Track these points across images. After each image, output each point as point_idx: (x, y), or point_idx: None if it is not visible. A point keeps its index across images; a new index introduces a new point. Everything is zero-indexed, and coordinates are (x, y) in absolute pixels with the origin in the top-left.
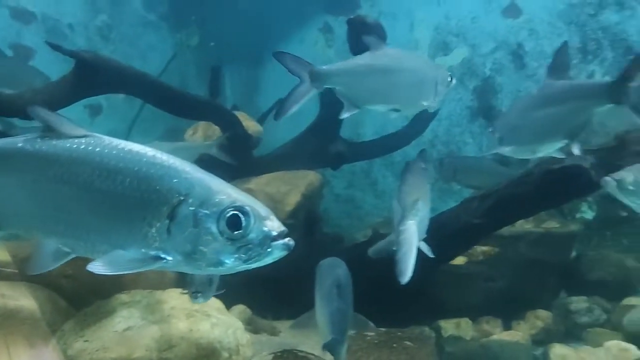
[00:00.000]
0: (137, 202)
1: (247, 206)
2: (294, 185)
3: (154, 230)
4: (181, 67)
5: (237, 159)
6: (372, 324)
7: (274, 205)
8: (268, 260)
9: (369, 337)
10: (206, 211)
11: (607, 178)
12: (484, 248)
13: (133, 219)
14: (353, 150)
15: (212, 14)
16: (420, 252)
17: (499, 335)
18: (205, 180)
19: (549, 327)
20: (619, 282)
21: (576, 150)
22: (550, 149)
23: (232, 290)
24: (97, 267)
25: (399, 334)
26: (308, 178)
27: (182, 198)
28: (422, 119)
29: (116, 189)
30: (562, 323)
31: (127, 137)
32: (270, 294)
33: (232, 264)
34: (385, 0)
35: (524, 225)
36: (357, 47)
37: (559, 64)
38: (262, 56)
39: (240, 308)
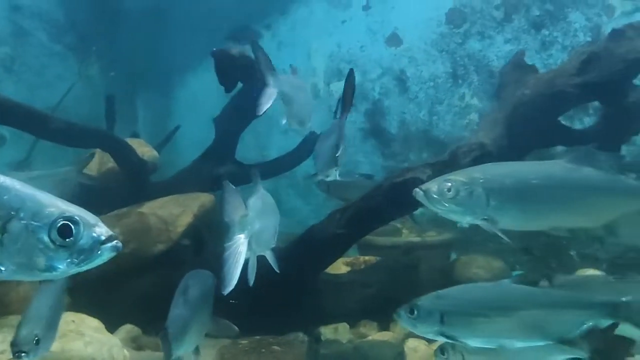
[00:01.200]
0: None
1: (76, 216)
2: (186, 207)
3: None
4: (90, 96)
5: (133, 185)
6: (235, 328)
7: (166, 227)
8: (99, 261)
9: (240, 345)
10: (37, 223)
11: (416, 189)
12: (366, 257)
13: None
14: (244, 172)
15: (121, 44)
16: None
17: (374, 336)
18: (36, 195)
19: None
20: (487, 281)
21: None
22: None
23: (122, 309)
24: None
25: (271, 340)
26: (200, 199)
27: (13, 213)
28: (310, 141)
29: None
30: None
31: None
32: (159, 312)
33: (65, 268)
34: (284, 31)
35: (408, 236)
36: (224, 78)
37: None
38: (173, 84)
39: (127, 327)
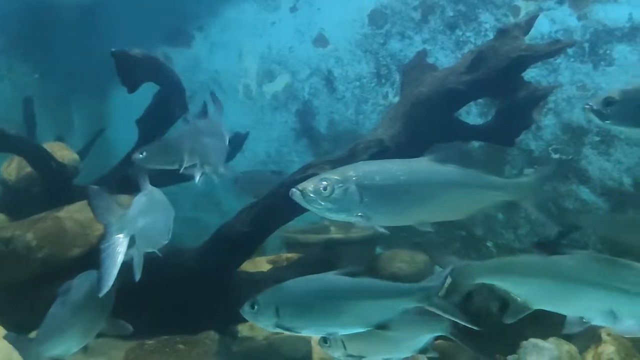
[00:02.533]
0: None
1: None
2: None
3: None
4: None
5: (52, 190)
6: (129, 328)
7: (84, 231)
8: None
9: (146, 345)
10: None
11: (293, 189)
12: (289, 255)
13: None
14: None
15: (53, 45)
16: (211, 262)
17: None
18: None
19: None
20: (409, 275)
21: None
22: None
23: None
24: None
25: (178, 339)
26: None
27: None
28: (234, 142)
29: None
30: None
31: None
32: None
33: None
34: (216, 32)
35: (334, 234)
36: (126, 79)
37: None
38: (109, 88)
39: None
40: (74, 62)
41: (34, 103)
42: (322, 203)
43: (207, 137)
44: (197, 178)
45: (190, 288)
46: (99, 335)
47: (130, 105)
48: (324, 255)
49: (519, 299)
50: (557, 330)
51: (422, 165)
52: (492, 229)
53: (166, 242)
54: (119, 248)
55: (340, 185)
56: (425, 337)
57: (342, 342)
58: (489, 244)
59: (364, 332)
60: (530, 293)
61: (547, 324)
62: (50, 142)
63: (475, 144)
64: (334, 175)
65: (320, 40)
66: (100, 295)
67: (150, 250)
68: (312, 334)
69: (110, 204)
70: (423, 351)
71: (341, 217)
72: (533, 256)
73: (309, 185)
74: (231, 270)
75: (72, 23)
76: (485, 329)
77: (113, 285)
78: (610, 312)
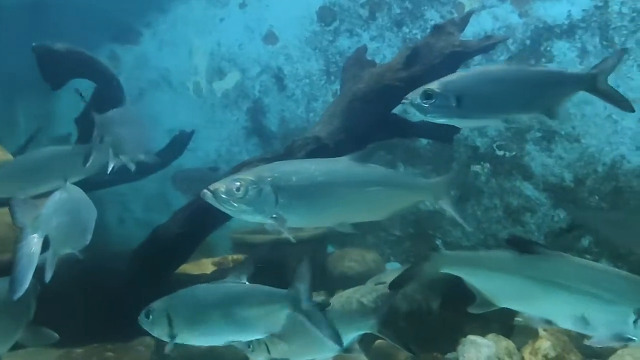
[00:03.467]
0: None
1: None
2: None
3: None
4: None
5: None
6: (54, 335)
7: (15, 234)
8: None
9: (74, 354)
10: None
11: (205, 190)
12: (235, 256)
13: None
14: (111, 175)
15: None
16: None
17: None
18: None
19: None
20: (360, 273)
21: None
22: None
23: None
24: None
25: (108, 347)
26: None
27: None
28: (179, 141)
29: None
30: None
31: None
32: None
33: None
34: (166, 29)
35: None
36: (48, 74)
37: None
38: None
39: None
40: (18, 62)
41: None
42: (235, 204)
43: (120, 126)
44: (110, 168)
45: (123, 293)
46: (22, 346)
47: (77, 104)
48: (271, 256)
49: (485, 294)
50: (496, 327)
51: (341, 166)
52: (440, 227)
53: (86, 242)
54: (33, 248)
55: (255, 186)
56: (350, 336)
57: (266, 345)
58: (438, 241)
59: (288, 333)
60: (499, 290)
61: (487, 320)
62: None
63: (423, 141)
64: (248, 176)
65: (270, 37)
66: (15, 298)
67: (69, 251)
68: (203, 343)
69: (28, 206)
70: (348, 350)
71: (256, 218)
72: (506, 252)
73: (221, 186)
74: (167, 273)
75: (16, 22)
76: (426, 327)
77: (33, 290)
78: (582, 318)
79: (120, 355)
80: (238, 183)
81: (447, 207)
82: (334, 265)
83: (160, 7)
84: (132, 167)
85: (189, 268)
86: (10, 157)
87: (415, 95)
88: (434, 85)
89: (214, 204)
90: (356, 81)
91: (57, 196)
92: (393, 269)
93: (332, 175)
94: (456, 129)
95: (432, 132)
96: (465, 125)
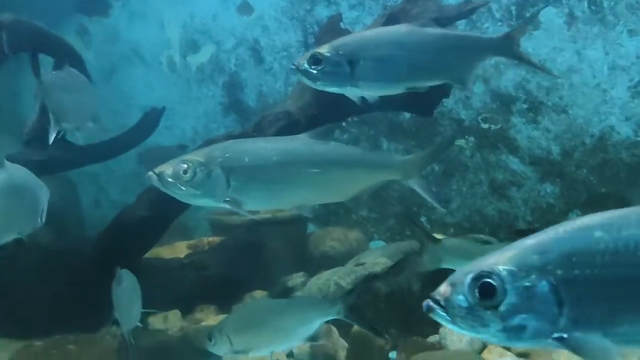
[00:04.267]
0: None
1: None
2: None
3: None
4: None
5: None
6: None
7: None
8: None
9: (33, 347)
10: None
11: (150, 172)
12: (210, 239)
13: None
14: (77, 155)
15: None
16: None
17: (209, 321)
18: None
19: None
20: (342, 253)
21: None
22: None
23: None
24: None
25: (70, 338)
26: None
27: None
28: (151, 118)
29: None
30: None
31: None
32: None
33: None
34: (135, 1)
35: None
36: None
37: None
38: (22, 62)
39: None
40: None
41: None
42: (183, 188)
43: (62, 92)
44: (51, 138)
45: (88, 279)
46: None
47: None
48: (248, 237)
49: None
50: None
51: (298, 144)
52: (425, 204)
53: (36, 226)
54: None
55: (203, 167)
56: (316, 323)
57: (228, 337)
58: (423, 219)
59: (250, 323)
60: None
61: None
62: None
63: (406, 115)
64: (196, 157)
65: (245, 8)
66: None
67: (15, 236)
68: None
69: None
70: (313, 338)
71: (206, 202)
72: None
73: (167, 168)
74: (134, 258)
75: None
76: (407, 310)
77: None
78: None
79: (83, 348)
80: (185, 165)
81: (416, 188)
82: (315, 245)
83: None
84: (78, 137)
85: (162, 252)
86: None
87: (302, 61)
88: (324, 49)
89: (160, 187)
90: None
91: None
92: (376, 248)
93: (288, 154)
94: (437, 102)
95: (411, 105)
96: (359, 94)
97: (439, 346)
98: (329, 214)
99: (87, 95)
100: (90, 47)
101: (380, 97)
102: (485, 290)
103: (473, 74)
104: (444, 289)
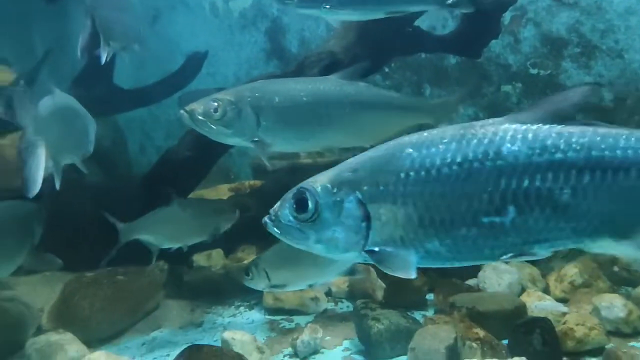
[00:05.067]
0: None
1: None
2: None
3: None
4: None
5: None
6: (58, 261)
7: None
8: None
9: (84, 278)
10: None
11: (181, 110)
12: (252, 182)
13: None
14: (125, 97)
15: None
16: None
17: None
18: None
19: None
20: None
21: None
22: None
23: None
24: None
25: (120, 270)
26: None
27: None
28: (194, 63)
29: None
30: None
31: None
32: None
33: None
34: None
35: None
36: None
37: None
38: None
39: None
40: None
41: None
42: (213, 126)
43: (109, 9)
44: (103, 58)
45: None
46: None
47: None
48: (287, 181)
49: None
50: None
51: (329, 85)
52: None
53: (88, 152)
54: (39, 150)
55: (233, 106)
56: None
57: (266, 272)
58: None
59: (286, 258)
60: None
61: None
62: None
63: (452, 59)
64: (227, 96)
65: None
66: (31, 195)
67: (69, 161)
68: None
69: (30, 108)
70: (351, 273)
71: (235, 141)
72: None
73: (198, 107)
74: (178, 197)
75: None
76: None
77: (37, 216)
78: None
79: (132, 279)
80: (215, 104)
81: None
82: None
83: None
84: (125, 57)
85: (206, 193)
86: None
87: None
88: None
89: (190, 124)
90: None
91: (49, 101)
92: None
93: (318, 95)
94: (483, 43)
95: (457, 46)
96: (340, 18)
97: (477, 289)
98: None
99: (133, 16)
100: None
101: (427, 38)
102: (301, 205)
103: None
104: (276, 205)
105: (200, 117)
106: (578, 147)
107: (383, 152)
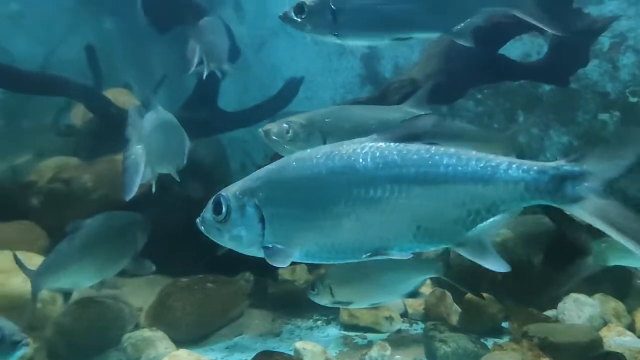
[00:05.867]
0: None
1: None
2: None
3: None
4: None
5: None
6: (152, 267)
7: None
8: None
9: (179, 283)
10: None
11: (260, 129)
12: None
13: None
14: (227, 119)
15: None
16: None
17: None
18: None
19: None
20: None
21: None
22: None
23: None
24: None
25: (211, 278)
26: None
27: None
28: (291, 87)
29: None
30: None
31: None
32: None
33: None
34: None
35: None
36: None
37: None
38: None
39: None
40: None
41: (95, 51)
42: (286, 146)
43: (210, 34)
44: (205, 74)
45: None
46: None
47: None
48: None
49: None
50: (608, 287)
51: (396, 113)
52: None
53: (182, 164)
54: (138, 158)
55: (304, 129)
56: (416, 280)
57: (330, 288)
58: None
59: (351, 276)
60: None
61: (597, 280)
62: (115, 89)
63: (546, 87)
64: (299, 119)
65: None
66: (127, 199)
67: (165, 171)
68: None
69: (138, 122)
70: (413, 295)
71: None
72: None
73: (273, 127)
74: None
75: None
76: (524, 281)
77: (142, 226)
78: None
79: (220, 287)
80: (287, 125)
81: None
82: None
83: None
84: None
85: None
86: (137, 102)
87: (289, 9)
88: None
89: (266, 142)
90: None
91: (152, 116)
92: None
93: (384, 122)
94: (571, 71)
95: (544, 74)
96: (347, 43)
97: (555, 320)
98: None
99: (225, 40)
100: (244, 22)
101: (512, 66)
102: (217, 208)
103: (470, 23)
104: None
105: (274, 137)
106: (410, 163)
107: (277, 165)
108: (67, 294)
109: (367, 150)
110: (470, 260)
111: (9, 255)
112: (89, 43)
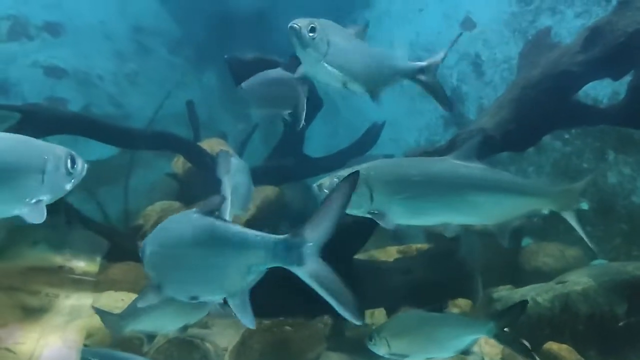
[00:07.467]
0: None
1: None
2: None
3: None
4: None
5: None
6: (231, 314)
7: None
8: None
9: (261, 325)
10: None
11: (314, 184)
12: (419, 245)
13: None
14: (312, 165)
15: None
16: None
17: None
18: None
19: (465, 313)
20: (556, 271)
21: None
22: None
23: None
24: None
25: (290, 321)
26: (265, 192)
27: None
28: (373, 132)
29: None
30: (482, 310)
31: None
32: None
33: None
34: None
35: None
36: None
37: None
38: None
39: None
40: None
41: (195, 105)
42: None
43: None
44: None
45: None
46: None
47: None
48: (450, 246)
49: None
50: None
51: (442, 165)
52: None
53: (248, 208)
54: (227, 202)
55: None
56: (468, 338)
57: (387, 340)
58: None
59: (407, 331)
60: None
61: None
62: (212, 139)
63: (636, 134)
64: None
65: (468, 23)
66: None
67: (235, 212)
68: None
69: (228, 168)
70: (465, 352)
71: (355, 212)
72: None
73: (325, 181)
74: (347, 258)
75: (249, 26)
76: (608, 334)
77: None
78: None
79: (297, 330)
80: (337, 180)
81: (570, 221)
82: (527, 260)
83: (363, 2)
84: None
85: (376, 254)
86: (231, 151)
87: (304, 23)
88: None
89: (320, 196)
90: (532, 68)
91: (234, 162)
92: (585, 267)
93: (429, 175)
94: None
95: (621, 118)
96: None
97: None
98: (545, 228)
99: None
100: None
101: (588, 111)
102: None
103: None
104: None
105: (326, 191)
106: None
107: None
108: (150, 336)
109: None
110: (551, 311)
111: (112, 295)
112: (189, 98)
